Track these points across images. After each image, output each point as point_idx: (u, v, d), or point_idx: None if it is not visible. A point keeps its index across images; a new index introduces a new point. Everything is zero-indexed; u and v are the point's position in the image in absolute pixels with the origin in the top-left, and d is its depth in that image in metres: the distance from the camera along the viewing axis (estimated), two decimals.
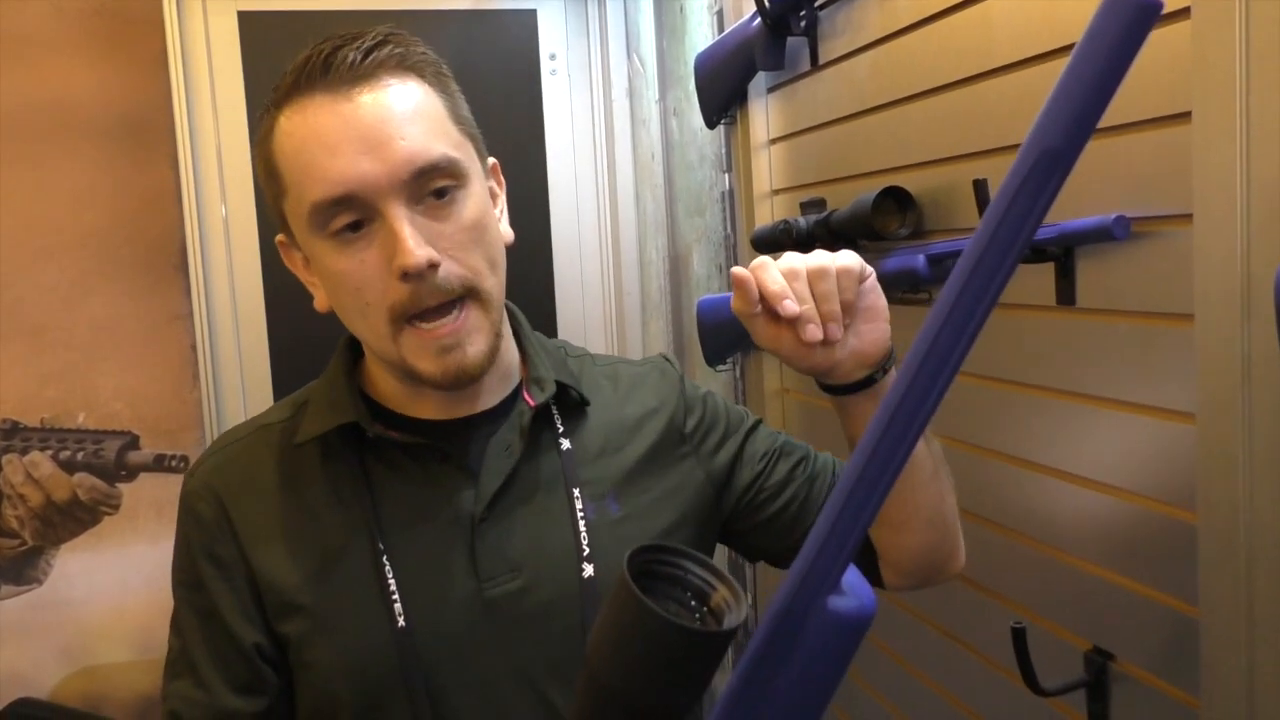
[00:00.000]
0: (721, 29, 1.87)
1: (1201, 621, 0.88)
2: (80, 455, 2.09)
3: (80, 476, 2.09)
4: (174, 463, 2.12)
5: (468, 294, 0.78)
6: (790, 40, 1.61)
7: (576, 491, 0.86)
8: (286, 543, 0.83)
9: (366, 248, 0.76)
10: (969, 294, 0.40)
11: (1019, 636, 1.01)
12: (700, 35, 2.00)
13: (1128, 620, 0.99)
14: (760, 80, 1.73)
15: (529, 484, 0.86)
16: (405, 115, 0.76)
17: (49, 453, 2.07)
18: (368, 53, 0.76)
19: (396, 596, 0.80)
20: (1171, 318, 0.91)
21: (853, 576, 0.46)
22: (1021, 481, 1.14)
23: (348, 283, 0.78)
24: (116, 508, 2.11)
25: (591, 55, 2.39)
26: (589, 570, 0.83)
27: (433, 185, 0.77)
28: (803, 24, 1.56)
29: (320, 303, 0.84)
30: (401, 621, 0.80)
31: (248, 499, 0.85)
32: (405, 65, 0.78)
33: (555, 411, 0.89)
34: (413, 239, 0.74)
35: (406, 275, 0.74)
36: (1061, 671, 1.05)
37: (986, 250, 0.40)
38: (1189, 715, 0.92)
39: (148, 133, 2.07)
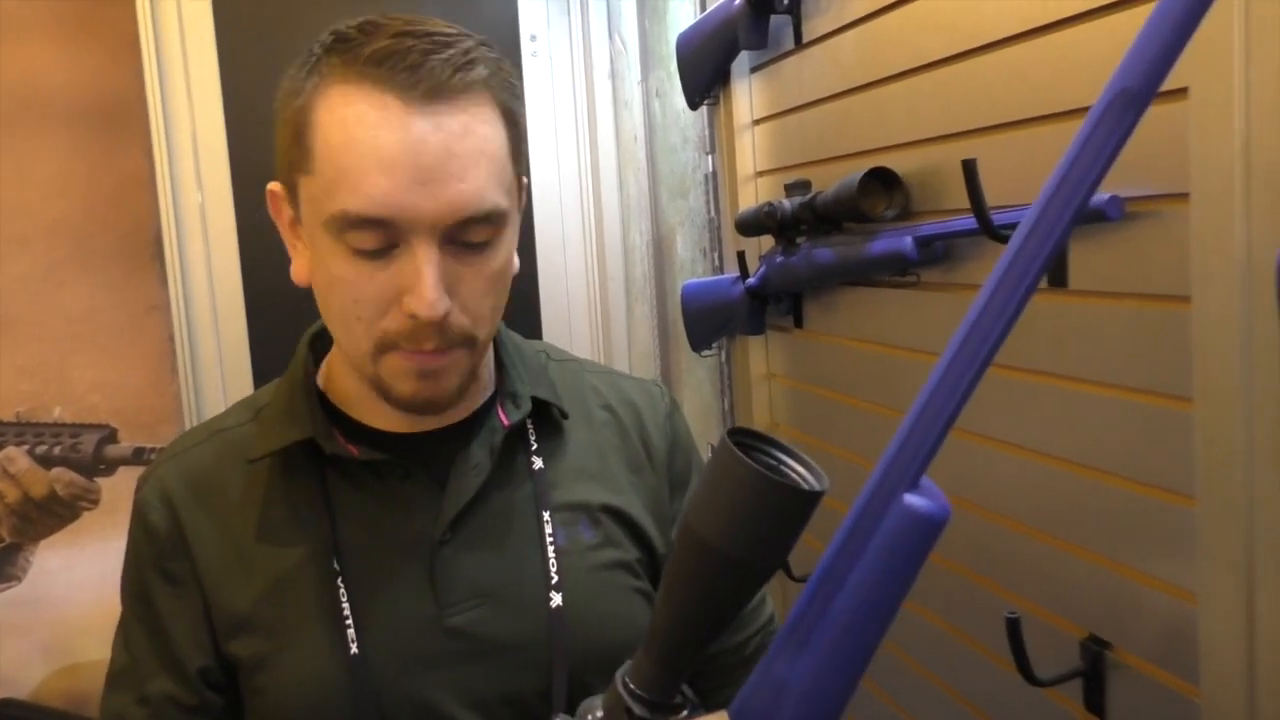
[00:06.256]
0: (703, 7, 1.84)
1: (1200, 610, 0.86)
2: (57, 449, 2.05)
3: (58, 471, 2.05)
4: (153, 456, 2.09)
5: (464, 342, 0.75)
6: (774, 18, 1.58)
7: (547, 515, 0.83)
8: (241, 561, 0.80)
9: (381, 269, 0.72)
10: (1044, 222, 0.46)
11: (1013, 626, 0.99)
12: (682, 14, 1.97)
13: (1124, 608, 0.97)
14: (743, 60, 1.70)
15: (498, 506, 0.82)
16: (472, 154, 0.71)
17: (25, 448, 2.03)
18: (458, 69, 0.71)
19: (350, 621, 0.77)
20: (1168, 300, 0.89)
21: (930, 483, 0.50)
22: (1013, 467, 1.11)
23: (346, 290, 0.73)
24: (96, 502, 2.08)
25: (573, 36, 2.35)
26: (557, 600, 0.80)
27: (471, 235, 0.73)
28: (786, 1, 1.53)
29: (299, 273, 0.79)
30: (354, 648, 0.76)
31: (203, 513, 0.81)
32: (490, 90, 0.73)
33: (530, 428, 0.86)
34: (434, 289, 0.70)
35: (415, 319, 0.71)
36: (1058, 660, 1.03)
37: (1060, 184, 0.45)
38: (1187, 704, 0.90)
39: (120, 117, 2.02)
